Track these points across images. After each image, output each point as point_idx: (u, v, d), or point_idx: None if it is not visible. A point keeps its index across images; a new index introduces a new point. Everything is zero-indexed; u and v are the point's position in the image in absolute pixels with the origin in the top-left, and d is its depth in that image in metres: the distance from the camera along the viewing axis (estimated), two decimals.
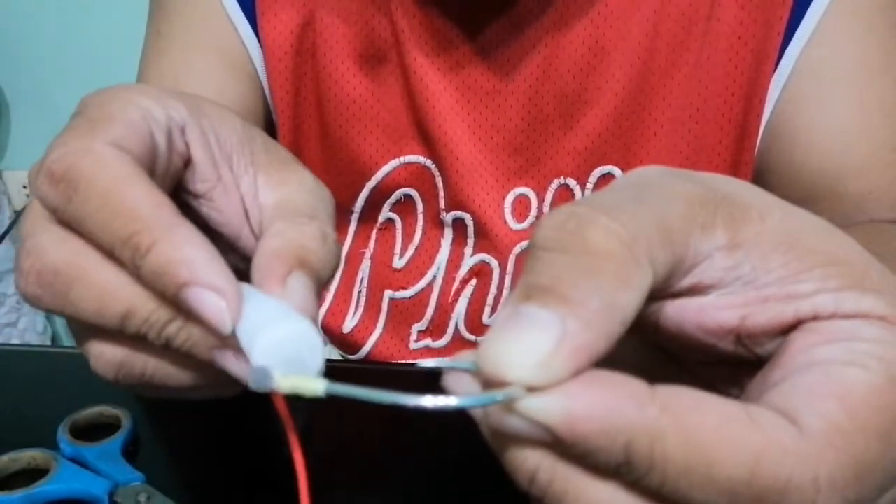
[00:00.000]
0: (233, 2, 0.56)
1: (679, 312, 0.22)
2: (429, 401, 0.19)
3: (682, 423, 0.18)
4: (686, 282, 0.21)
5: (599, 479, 0.19)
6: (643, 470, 0.18)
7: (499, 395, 0.18)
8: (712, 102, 0.54)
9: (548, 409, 0.18)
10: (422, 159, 0.58)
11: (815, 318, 0.20)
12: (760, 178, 0.56)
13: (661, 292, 0.21)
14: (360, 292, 0.63)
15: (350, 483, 0.40)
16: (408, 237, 0.61)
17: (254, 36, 0.57)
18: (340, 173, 0.59)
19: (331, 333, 0.63)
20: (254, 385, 0.22)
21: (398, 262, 0.61)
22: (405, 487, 0.40)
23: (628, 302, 0.19)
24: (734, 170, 0.56)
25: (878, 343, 0.19)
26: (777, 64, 0.53)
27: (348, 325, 0.63)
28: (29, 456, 0.39)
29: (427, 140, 0.57)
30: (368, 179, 0.59)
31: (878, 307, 0.20)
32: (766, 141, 0.54)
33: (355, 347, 0.63)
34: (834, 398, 0.19)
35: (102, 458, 0.39)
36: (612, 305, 0.18)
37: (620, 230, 0.19)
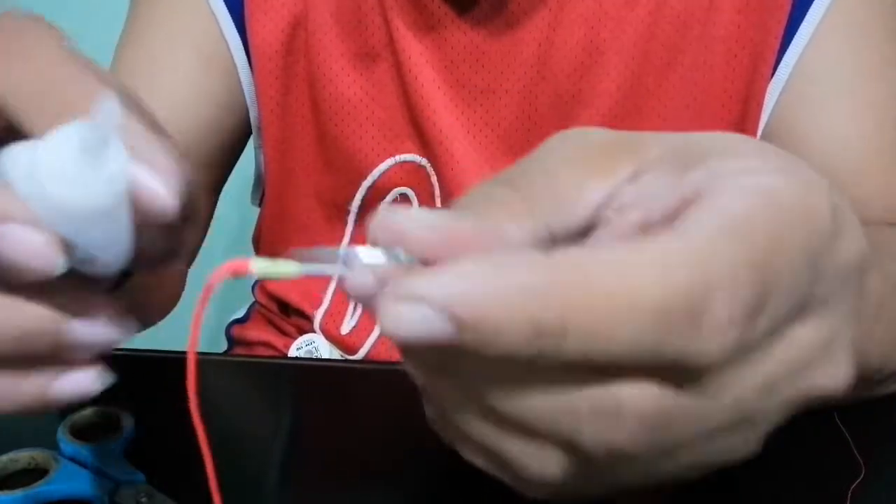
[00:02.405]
0: (219, 1, 0.56)
1: (601, 231, 0.22)
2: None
3: (584, 270, 0.18)
4: (610, 212, 0.22)
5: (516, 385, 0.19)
6: (558, 337, 0.17)
7: (401, 255, 0.19)
8: (709, 106, 0.54)
9: (425, 285, 0.17)
10: (417, 158, 0.58)
11: (699, 193, 0.20)
12: None
13: (593, 229, 0.22)
14: None
15: (349, 480, 0.40)
16: None
17: (237, 35, 0.57)
18: (338, 171, 0.59)
19: (329, 335, 0.63)
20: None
21: None
22: (403, 485, 0.40)
23: (518, 237, 0.21)
24: None
25: (752, 177, 0.20)
26: (775, 68, 0.53)
27: (346, 326, 0.63)
28: (29, 456, 0.39)
29: (422, 139, 0.57)
30: (365, 178, 0.59)
31: (754, 162, 0.20)
32: None
33: (353, 349, 0.63)
34: (713, 210, 0.19)
35: (102, 458, 0.39)
36: (501, 231, 0.21)
37: (515, 192, 0.22)
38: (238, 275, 0.21)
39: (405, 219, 0.20)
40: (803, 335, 0.20)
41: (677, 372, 0.18)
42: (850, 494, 0.37)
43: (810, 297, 0.20)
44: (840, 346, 0.21)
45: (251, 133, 0.62)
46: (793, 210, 0.19)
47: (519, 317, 0.17)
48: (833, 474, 0.39)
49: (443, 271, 0.18)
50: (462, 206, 0.22)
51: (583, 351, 0.17)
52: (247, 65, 0.58)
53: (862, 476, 0.38)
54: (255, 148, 0.63)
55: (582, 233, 0.22)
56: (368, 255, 0.20)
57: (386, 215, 0.20)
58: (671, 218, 0.20)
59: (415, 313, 0.17)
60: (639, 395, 0.18)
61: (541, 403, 0.19)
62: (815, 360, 0.21)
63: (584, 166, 0.22)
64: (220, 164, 0.61)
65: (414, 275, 0.18)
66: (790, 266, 0.19)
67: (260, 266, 0.21)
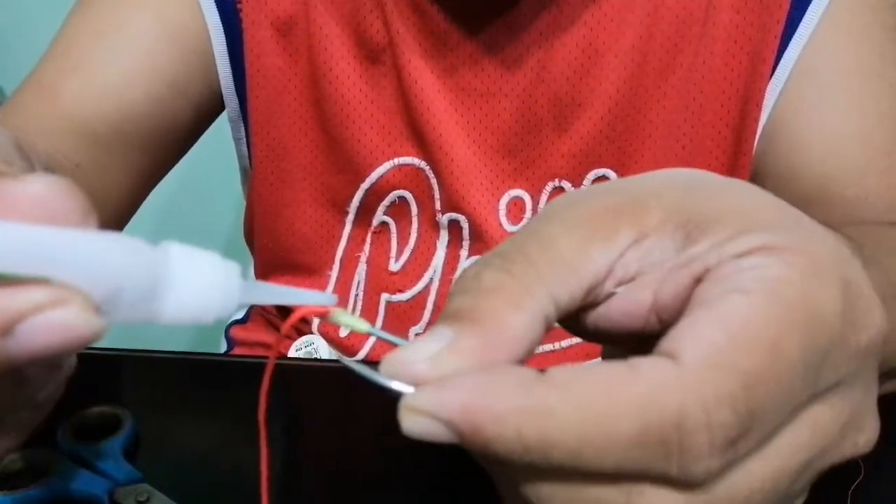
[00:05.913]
0: None
1: (607, 306, 0.23)
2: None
3: (567, 393, 0.19)
4: (609, 284, 0.22)
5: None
6: (543, 452, 0.19)
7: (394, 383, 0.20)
8: (708, 106, 0.54)
9: (429, 399, 0.19)
10: (416, 161, 0.58)
11: (707, 270, 0.21)
12: (757, 181, 0.56)
13: (595, 301, 0.22)
14: (356, 296, 0.63)
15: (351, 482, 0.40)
16: (403, 240, 0.61)
17: (220, 24, 0.56)
18: (340, 171, 0.59)
19: (328, 338, 0.63)
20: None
21: (394, 266, 0.61)
22: (403, 486, 0.40)
23: (519, 323, 0.20)
24: (731, 173, 0.56)
25: (757, 268, 0.20)
26: (774, 67, 0.53)
27: (345, 329, 0.63)
28: (29, 456, 0.39)
29: (422, 142, 0.57)
30: (363, 180, 0.59)
31: (759, 240, 0.20)
32: (762, 144, 0.55)
33: (353, 351, 0.63)
34: (712, 324, 0.19)
35: (102, 458, 0.39)
36: (502, 325, 0.20)
37: (509, 267, 0.21)
38: (317, 315, 0.24)
39: (411, 360, 0.20)
40: (822, 418, 0.21)
41: (676, 482, 0.19)
42: (850, 495, 0.37)
43: (821, 387, 0.20)
44: (862, 414, 0.21)
45: (206, 125, 0.61)
46: (798, 311, 0.19)
47: (509, 434, 0.19)
48: (833, 475, 0.39)
49: (446, 388, 0.19)
50: (456, 295, 0.21)
51: (571, 465, 0.19)
52: (226, 55, 0.57)
53: (861, 476, 0.38)
54: (234, 140, 0.63)
55: (590, 302, 0.22)
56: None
57: (392, 361, 0.21)
58: (681, 299, 0.21)
59: (424, 424, 0.20)
60: (654, 494, 0.19)
61: (564, 495, 0.20)
62: (838, 435, 0.21)
63: (585, 232, 0.22)
64: (159, 150, 0.58)
65: (425, 390, 0.20)
66: (788, 376, 0.19)
67: (341, 318, 0.24)
